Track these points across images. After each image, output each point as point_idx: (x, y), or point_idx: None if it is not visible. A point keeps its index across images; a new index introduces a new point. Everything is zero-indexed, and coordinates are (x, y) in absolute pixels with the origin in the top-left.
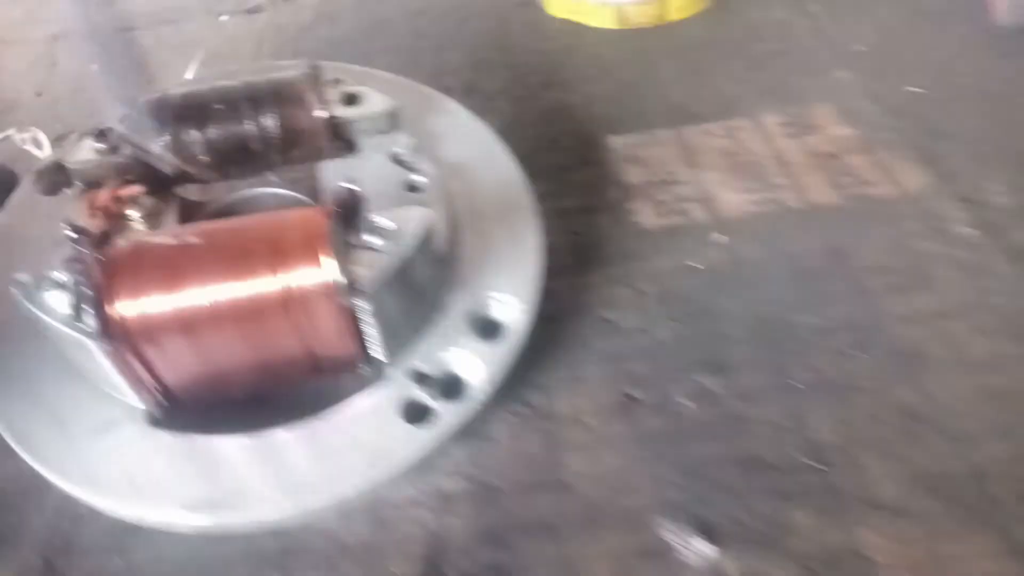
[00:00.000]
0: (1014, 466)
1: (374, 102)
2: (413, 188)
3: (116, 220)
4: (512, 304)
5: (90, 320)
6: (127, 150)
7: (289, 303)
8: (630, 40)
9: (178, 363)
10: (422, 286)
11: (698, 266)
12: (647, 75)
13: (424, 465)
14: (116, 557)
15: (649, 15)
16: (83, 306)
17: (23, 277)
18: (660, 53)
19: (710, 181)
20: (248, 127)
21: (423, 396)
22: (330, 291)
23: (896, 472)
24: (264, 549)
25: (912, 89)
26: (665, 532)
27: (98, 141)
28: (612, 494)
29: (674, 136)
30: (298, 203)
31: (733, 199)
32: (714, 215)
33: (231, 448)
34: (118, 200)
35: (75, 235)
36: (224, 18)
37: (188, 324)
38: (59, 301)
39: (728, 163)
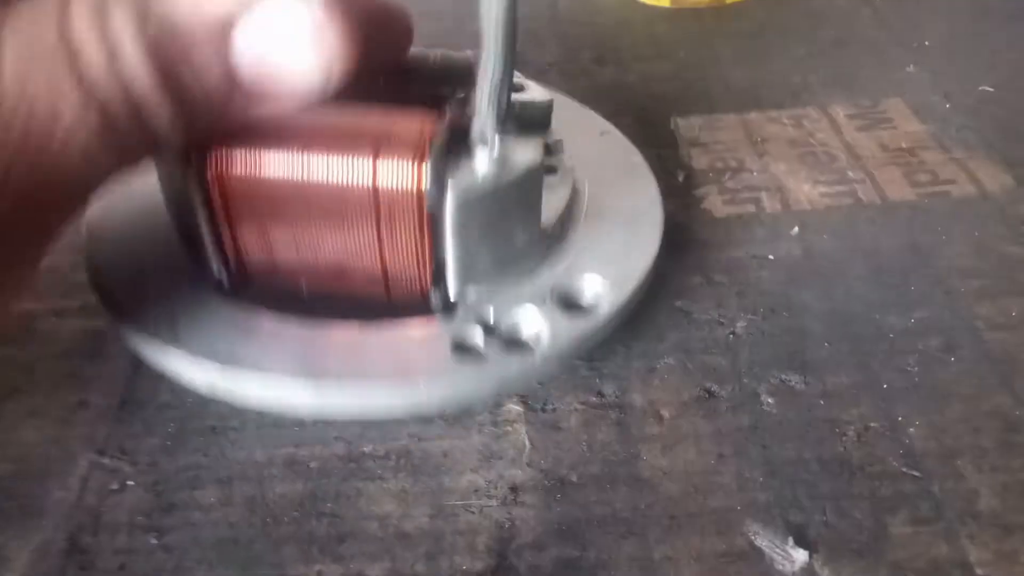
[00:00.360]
0: None
1: (536, 92)
2: (550, 170)
3: None
4: (605, 289)
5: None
6: None
7: (378, 195)
8: (686, 19)
9: (260, 233)
10: (514, 232)
11: (773, 258)
12: (706, 57)
13: (464, 413)
14: (149, 536)
15: None
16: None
17: None
18: (718, 35)
19: (780, 170)
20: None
21: (479, 342)
22: (420, 194)
23: (997, 483)
24: (314, 533)
25: (985, 88)
26: (755, 535)
27: None
28: (694, 492)
29: (739, 122)
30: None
31: (805, 190)
32: (786, 206)
33: (272, 327)
34: None
35: None
36: None
37: (278, 191)
38: None
39: (798, 153)
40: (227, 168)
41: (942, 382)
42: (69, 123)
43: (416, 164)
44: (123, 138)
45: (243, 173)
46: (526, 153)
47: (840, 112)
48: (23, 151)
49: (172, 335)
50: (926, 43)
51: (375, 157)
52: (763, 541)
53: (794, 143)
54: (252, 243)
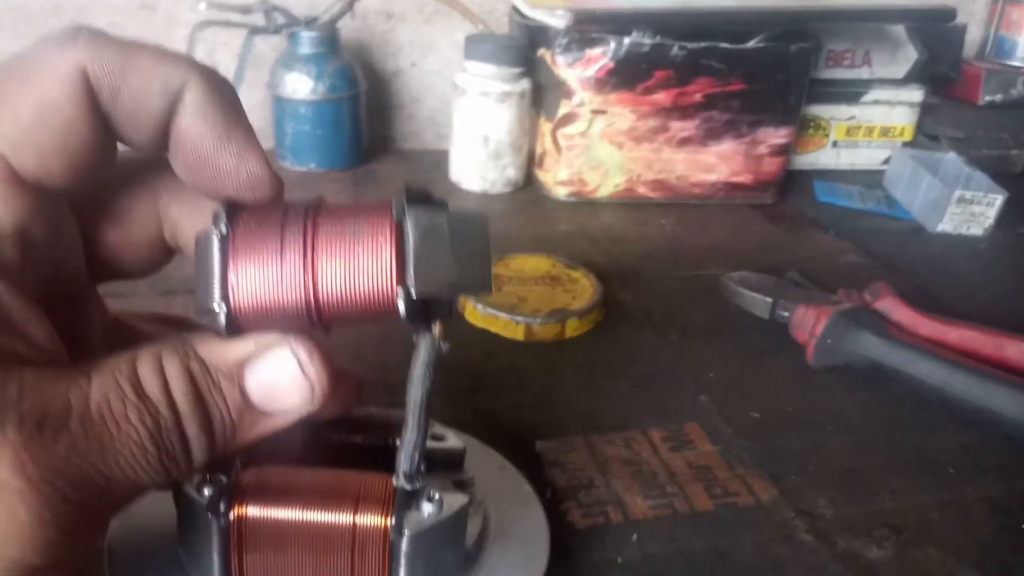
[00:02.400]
0: None
1: (452, 440)
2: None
3: None
4: None
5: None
6: None
7: (355, 533)
8: (536, 351)
9: (259, 565)
10: (447, 555)
11: (620, 561)
12: (556, 386)
13: None
14: None
15: (551, 332)
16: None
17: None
18: (562, 365)
19: (619, 487)
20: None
21: None
22: (386, 534)
23: None
24: None
25: (754, 414)
26: None
27: None
28: None
29: (585, 444)
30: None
31: (639, 503)
32: (626, 517)
33: None
34: None
35: None
36: None
37: (280, 534)
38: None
39: (630, 471)
40: (245, 515)
41: None
42: (131, 429)
43: (384, 515)
44: (167, 447)
45: (257, 518)
46: (457, 499)
47: (656, 435)
48: (96, 453)
49: None
50: (711, 375)
51: (355, 511)
52: None
53: (627, 462)
54: (252, 572)
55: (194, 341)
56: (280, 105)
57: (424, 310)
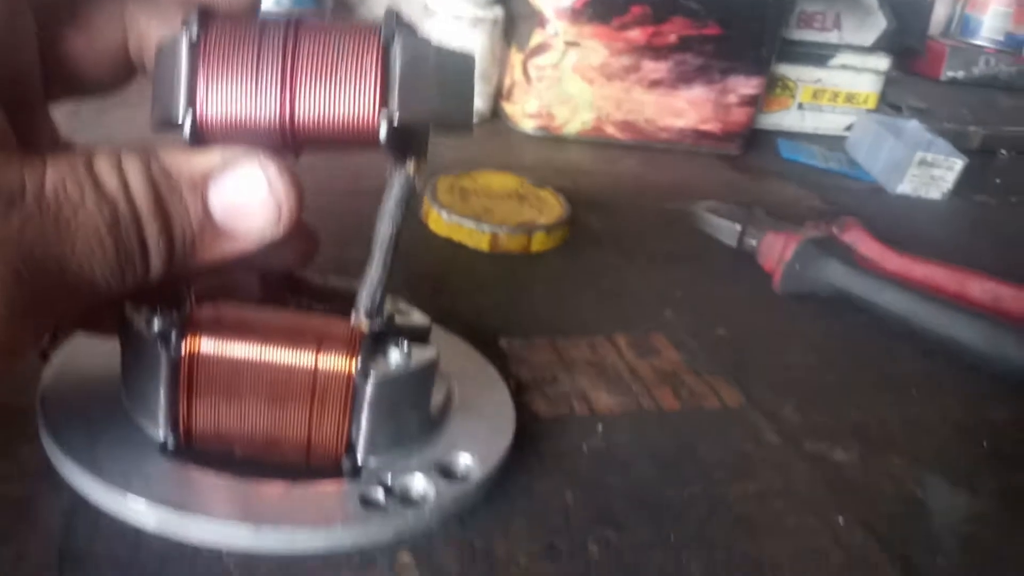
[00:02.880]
0: None
1: (417, 316)
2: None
3: None
4: (475, 463)
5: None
6: None
7: (316, 380)
8: (503, 263)
9: (211, 407)
10: (410, 413)
11: (586, 449)
12: (521, 294)
13: (367, 561)
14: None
15: (517, 243)
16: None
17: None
18: (528, 278)
19: (584, 384)
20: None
21: (380, 499)
22: (349, 379)
23: None
24: None
25: (719, 331)
26: None
27: None
28: None
29: (550, 344)
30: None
31: (604, 399)
32: (591, 411)
33: (214, 482)
34: None
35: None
36: None
37: (235, 373)
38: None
39: (595, 371)
40: (198, 350)
41: (709, 536)
42: (87, 217)
43: (349, 356)
44: (125, 244)
45: (210, 354)
46: (425, 352)
47: (622, 341)
48: (52, 236)
49: (125, 481)
50: (677, 294)
51: (318, 351)
52: None
53: (591, 363)
54: (202, 415)
55: (156, 148)
56: None
57: (402, 141)
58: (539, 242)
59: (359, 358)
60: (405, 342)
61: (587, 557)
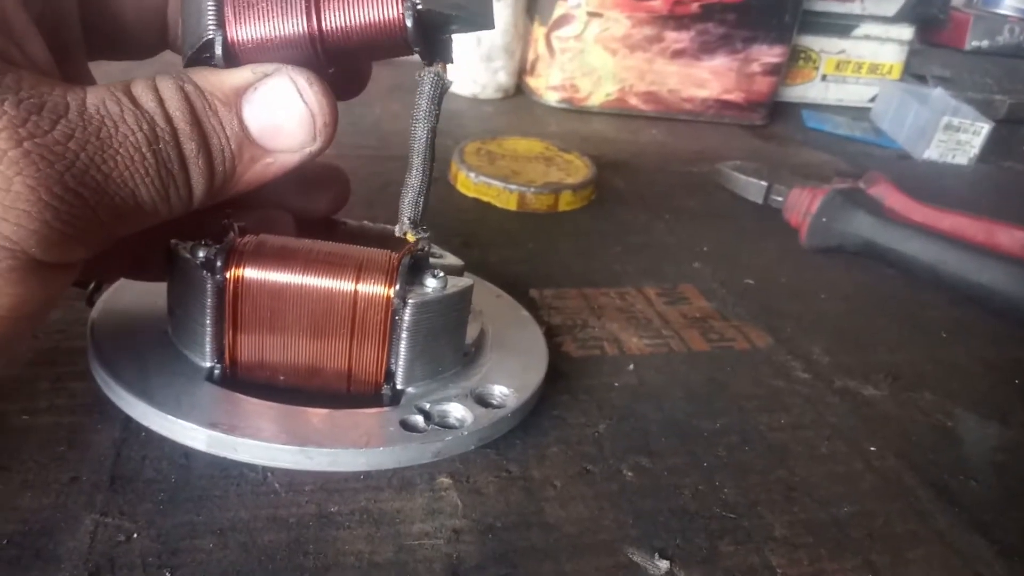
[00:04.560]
0: (863, 519)
1: (451, 259)
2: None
3: None
4: (510, 393)
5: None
6: None
7: (357, 299)
8: (529, 221)
9: (257, 336)
10: (447, 344)
11: (617, 385)
12: (549, 249)
13: (406, 484)
14: (164, 571)
15: (544, 202)
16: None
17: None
18: (556, 234)
19: (614, 328)
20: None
21: (420, 423)
22: (388, 305)
23: (783, 520)
24: (303, 566)
25: (748, 281)
26: (632, 554)
27: None
28: (588, 531)
29: (579, 294)
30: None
31: (634, 341)
32: (622, 352)
33: (260, 406)
34: None
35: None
36: None
37: (279, 301)
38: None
39: (625, 317)
40: (242, 277)
41: (742, 462)
42: (128, 131)
43: (387, 283)
44: (165, 161)
45: (254, 280)
46: (460, 281)
47: (651, 291)
48: (95, 150)
49: (176, 406)
50: (704, 248)
51: (357, 278)
52: (638, 557)
53: (621, 310)
54: (247, 343)
55: (189, 71)
56: None
57: (428, 40)
58: (566, 201)
59: (397, 285)
60: (441, 272)
61: (621, 480)
